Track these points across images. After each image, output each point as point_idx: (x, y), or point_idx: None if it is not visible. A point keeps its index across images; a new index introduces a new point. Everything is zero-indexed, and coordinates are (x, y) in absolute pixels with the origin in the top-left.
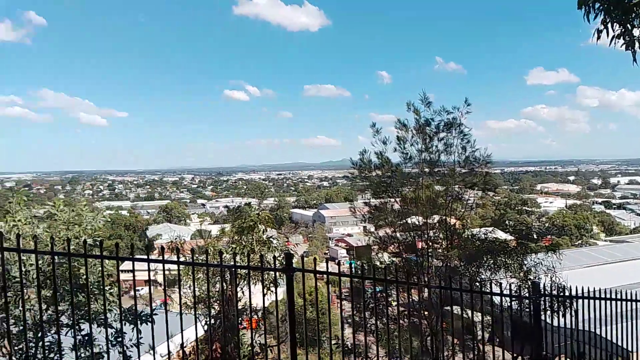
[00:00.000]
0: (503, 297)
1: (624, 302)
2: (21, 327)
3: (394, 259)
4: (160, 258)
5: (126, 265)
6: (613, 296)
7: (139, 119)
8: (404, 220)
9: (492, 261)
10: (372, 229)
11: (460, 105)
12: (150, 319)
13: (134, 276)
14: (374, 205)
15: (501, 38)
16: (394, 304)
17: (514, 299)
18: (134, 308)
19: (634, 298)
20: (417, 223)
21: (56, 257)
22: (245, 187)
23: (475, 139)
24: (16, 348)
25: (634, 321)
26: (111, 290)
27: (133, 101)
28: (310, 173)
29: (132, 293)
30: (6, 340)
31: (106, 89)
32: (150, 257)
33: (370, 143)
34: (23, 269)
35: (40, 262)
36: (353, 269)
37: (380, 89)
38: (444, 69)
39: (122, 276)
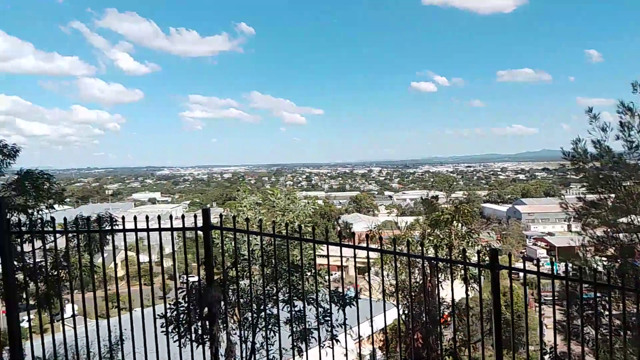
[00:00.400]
0: None
1: None
2: (247, 299)
3: (612, 262)
4: (364, 245)
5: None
6: None
7: (331, 116)
8: (630, 219)
9: None
10: (587, 228)
11: None
12: (354, 303)
13: (341, 262)
14: (589, 200)
15: None
16: (606, 313)
17: None
18: (339, 290)
19: None
20: None
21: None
22: (432, 179)
23: None
24: (243, 317)
25: None
26: (319, 272)
27: (327, 99)
28: (503, 165)
29: (332, 276)
30: (236, 309)
31: (304, 89)
32: (355, 244)
33: (587, 131)
34: (249, 249)
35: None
36: (555, 271)
37: (589, 69)
38: None
39: (320, 260)
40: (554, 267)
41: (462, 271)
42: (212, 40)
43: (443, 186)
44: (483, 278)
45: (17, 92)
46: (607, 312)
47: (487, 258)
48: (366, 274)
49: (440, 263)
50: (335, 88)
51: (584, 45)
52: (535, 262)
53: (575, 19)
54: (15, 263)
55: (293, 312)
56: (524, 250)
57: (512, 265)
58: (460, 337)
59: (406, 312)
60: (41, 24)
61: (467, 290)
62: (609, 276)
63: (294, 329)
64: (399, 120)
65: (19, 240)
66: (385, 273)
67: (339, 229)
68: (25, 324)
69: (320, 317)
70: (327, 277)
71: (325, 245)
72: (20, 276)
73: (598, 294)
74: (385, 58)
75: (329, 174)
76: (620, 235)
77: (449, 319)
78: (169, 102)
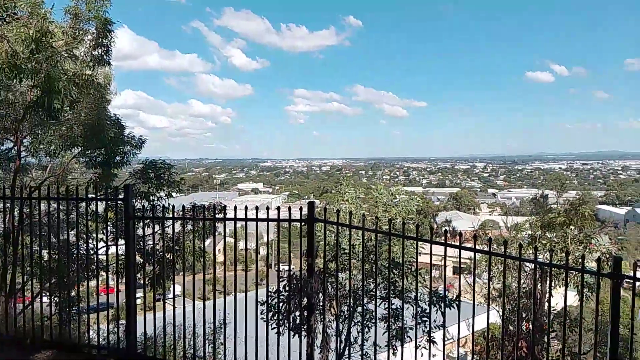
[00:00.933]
0: None
1: None
2: (345, 293)
3: None
4: (470, 246)
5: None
6: None
7: (435, 108)
8: None
9: None
10: None
11: None
12: (454, 304)
13: (445, 261)
14: None
15: None
16: None
17: None
18: (439, 291)
19: None
20: None
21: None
22: (542, 177)
23: None
24: (340, 310)
25: None
26: (420, 271)
27: (431, 91)
28: (625, 163)
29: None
30: (334, 302)
31: (408, 81)
32: (461, 245)
33: None
34: (350, 243)
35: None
36: None
37: None
38: None
39: (421, 258)
40: None
41: (576, 279)
42: (320, 35)
43: (554, 185)
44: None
45: (142, 88)
46: None
47: (606, 266)
48: (463, 274)
49: (553, 269)
50: (440, 80)
51: None
52: None
53: None
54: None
55: (390, 310)
56: None
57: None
58: (568, 349)
59: (508, 318)
60: (166, 24)
61: (581, 299)
62: None
63: (390, 327)
64: (509, 113)
65: (140, 224)
66: (486, 275)
67: (435, 226)
68: (139, 301)
69: (418, 317)
70: (427, 277)
71: (427, 244)
72: (138, 258)
73: None
74: (498, 47)
75: (428, 169)
76: None
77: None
78: (276, 96)
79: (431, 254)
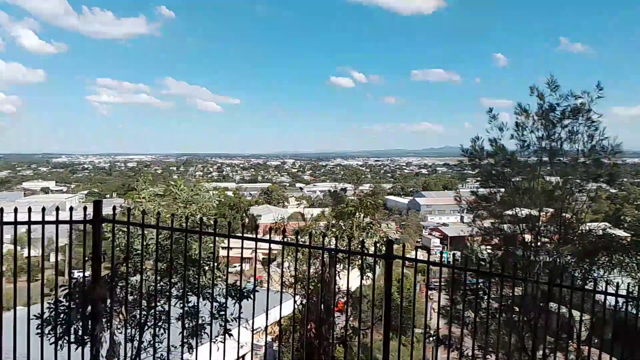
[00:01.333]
0: (618, 298)
1: None
2: (137, 296)
3: (496, 251)
4: (267, 237)
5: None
6: None
7: (249, 106)
8: (514, 212)
9: (607, 259)
10: (477, 220)
11: (590, 90)
12: (251, 295)
13: (242, 254)
14: (481, 194)
15: (633, 12)
16: (493, 297)
17: (630, 300)
18: (237, 284)
19: None
20: (527, 215)
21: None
22: (342, 172)
23: (605, 127)
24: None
25: None
26: (218, 266)
27: (245, 89)
28: (409, 160)
29: (236, 269)
30: (123, 307)
31: (222, 77)
32: (257, 237)
33: (485, 130)
34: (144, 243)
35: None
36: (444, 259)
37: (494, 72)
38: (569, 50)
39: (224, 253)
40: (445, 255)
41: (360, 261)
42: (128, 22)
43: (352, 179)
44: (379, 267)
45: None
46: (491, 298)
47: (383, 248)
48: (272, 265)
49: (340, 254)
50: (254, 78)
51: (491, 49)
52: (427, 250)
53: (486, 23)
54: None
55: (186, 308)
56: (420, 240)
57: (406, 255)
58: (353, 325)
59: (304, 302)
60: None
61: (362, 279)
62: (491, 264)
63: (187, 325)
64: (315, 114)
65: None
66: (287, 265)
67: (246, 221)
68: None
69: (215, 312)
70: (229, 271)
71: (233, 238)
72: None
73: (482, 280)
74: (306, 53)
75: (241, 165)
76: (505, 226)
77: (344, 307)
78: (74, 84)
79: (228, 248)
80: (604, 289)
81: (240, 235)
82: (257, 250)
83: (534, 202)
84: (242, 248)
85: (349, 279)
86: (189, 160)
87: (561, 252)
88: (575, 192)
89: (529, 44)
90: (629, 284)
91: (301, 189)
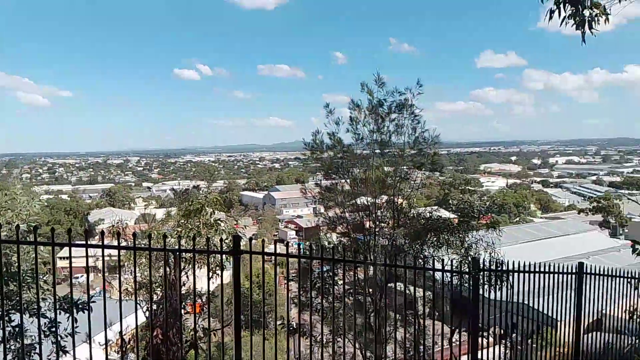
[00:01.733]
0: (445, 273)
1: (554, 275)
2: None
3: (342, 238)
4: (100, 243)
5: (66, 252)
6: (545, 269)
7: (83, 99)
8: (354, 201)
9: (435, 239)
10: (322, 210)
11: (412, 87)
12: (87, 307)
13: (70, 263)
14: (324, 186)
15: (454, 22)
16: (340, 282)
17: (454, 274)
18: (69, 296)
19: (562, 271)
20: (366, 203)
21: None
22: (194, 169)
23: (425, 120)
24: None
25: (562, 292)
26: (45, 279)
27: (77, 80)
28: (262, 155)
29: (70, 281)
30: None
31: (48, 66)
32: (89, 243)
33: (324, 124)
34: None
35: None
36: (301, 250)
37: (335, 69)
38: (398, 51)
39: (61, 263)
40: (302, 246)
41: (211, 259)
42: None
43: (205, 176)
44: (229, 264)
45: None
46: (341, 282)
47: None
48: (117, 273)
49: (188, 254)
50: (89, 69)
51: (332, 47)
52: (285, 243)
53: (326, 22)
54: None
55: (8, 329)
56: (276, 233)
57: (265, 250)
58: (202, 326)
59: (153, 308)
60: None
61: (209, 278)
62: (333, 251)
63: (10, 347)
64: (160, 108)
65: None
66: (131, 270)
67: (87, 226)
68: None
69: (46, 329)
70: (74, 283)
71: (57, 246)
72: None
73: (329, 267)
74: (148, 43)
75: (77, 165)
76: (347, 215)
77: (198, 309)
78: None
79: (70, 257)
80: (431, 266)
81: (68, 242)
82: (102, 258)
83: (370, 190)
84: (70, 257)
85: (195, 279)
86: (11, 162)
87: (396, 235)
88: (404, 179)
89: (364, 43)
90: (452, 260)
91: (149, 188)
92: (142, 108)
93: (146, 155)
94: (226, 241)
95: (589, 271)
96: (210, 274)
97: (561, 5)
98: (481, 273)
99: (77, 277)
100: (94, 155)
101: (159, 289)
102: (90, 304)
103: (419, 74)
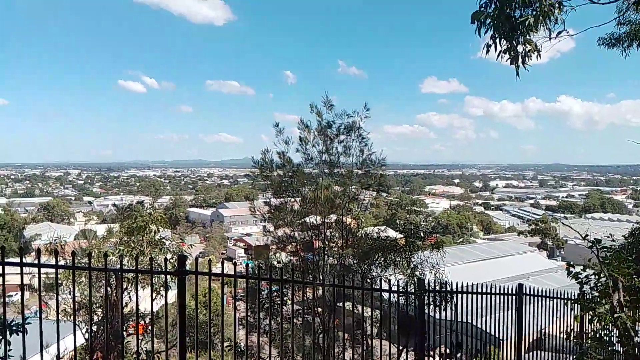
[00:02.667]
0: (392, 293)
1: (496, 296)
2: None
3: (291, 258)
4: (36, 262)
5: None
6: (487, 290)
7: (19, 108)
8: (303, 220)
9: (382, 259)
10: (271, 229)
11: (359, 110)
12: (21, 329)
13: (3, 282)
14: (274, 205)
15: (400, 49)
16: (289, 303)
17: (401, 294)
18: (1, 317)
19: (503, 292)
20: (315, 222)
21: None
22: (138, 184)
23: (372, 142)
24: None
25: (505, 312)
26: None
27: (13, 89)
28: (210, 171)
29: (1, 300)
30: None
31: None
32: (24, 262)
33: (273, 143)
34: None
35: None
36: (250, 269)
37: (285, 88)
38: (347, 73)
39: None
40: (250, 265)
41: (155, 279)
42: None
43: (150, 191)
44: (174, 284)
45: None
46: (290, 302)
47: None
48: (54, 292)
49: (131, 274)
50: (27, 76)
51: (282, 66)
52: (233, 262)
53: (276, 41)
54: None
55: None
56: (225, 252)
57: (212, 270)
58: (145, 348)
59: (94, 329)
60: None
61: (152, 299)
62: (282, 271)
63: None
64: (102, 119)
65: None
66: (69, 290)
67: (22, 242)
68: None
69: None
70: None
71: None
72: None
73: (277, 288)
74: (91, 49)
75: (13, 177)
76: (297, 234)
77: (141, 331)
78: None
79: (21, 276)
80: (379, 287)
81: (1, 260)
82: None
83: (319, 210)
84: (3, 275)
85: (138, 300)
86: None
87: (345, 254)
88: (353, 199)
89: (313, 63)
90: (398, 280)
91: (90, 203)
92: (84, 119)
93: (87, 169)
94: (171, 260)
95: (528, 292)
96: (154, 294)
97: (497, 40)
98: (427, 294)
99: (11, 296)
100: (30, 166)
101: (99, 310)
102: (25, 326)
103: (367, 96)
